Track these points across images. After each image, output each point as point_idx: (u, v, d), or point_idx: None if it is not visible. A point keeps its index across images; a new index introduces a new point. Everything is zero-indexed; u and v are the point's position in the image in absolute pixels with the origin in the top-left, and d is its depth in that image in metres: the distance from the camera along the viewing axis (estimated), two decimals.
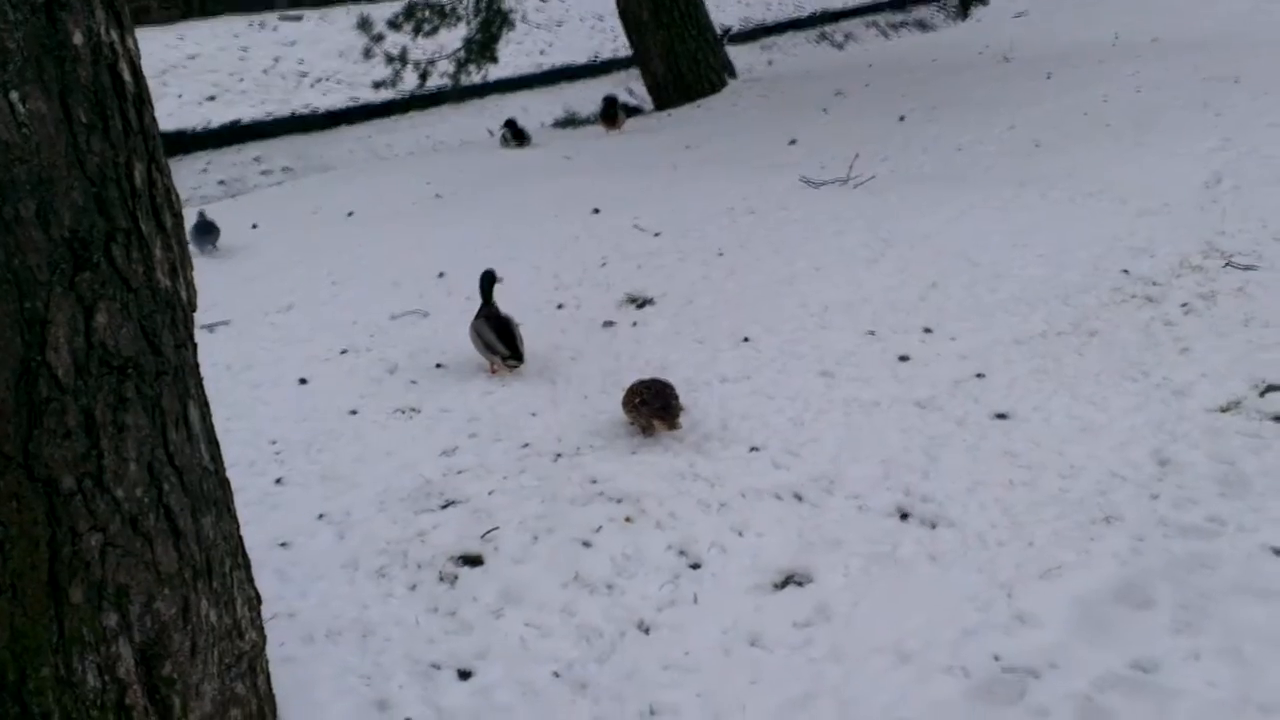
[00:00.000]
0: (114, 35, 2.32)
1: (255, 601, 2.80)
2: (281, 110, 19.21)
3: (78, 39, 2.21)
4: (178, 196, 2.59)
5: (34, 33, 2.13)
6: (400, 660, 3.28)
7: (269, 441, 4.67)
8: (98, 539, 2.30)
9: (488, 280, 5.36)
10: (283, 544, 3.88)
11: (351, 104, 19.78)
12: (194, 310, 2.65)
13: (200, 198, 15.77)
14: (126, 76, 2.35)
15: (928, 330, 5.43)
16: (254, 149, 18.38)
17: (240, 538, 2.77)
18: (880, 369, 5.07)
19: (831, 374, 5.06)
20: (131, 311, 2.33)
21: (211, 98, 18.79)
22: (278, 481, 4.35)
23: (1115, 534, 3.65)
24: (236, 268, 7.14)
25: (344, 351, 5.59)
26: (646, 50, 14.52)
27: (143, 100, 2.40)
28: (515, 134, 11.72)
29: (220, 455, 2.70)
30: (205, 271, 6.99)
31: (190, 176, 17.05)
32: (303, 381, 5.26)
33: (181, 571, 2.47)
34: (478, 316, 5.27)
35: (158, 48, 18.81)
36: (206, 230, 7.35)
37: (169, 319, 2.45)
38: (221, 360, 5.51)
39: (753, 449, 4.44)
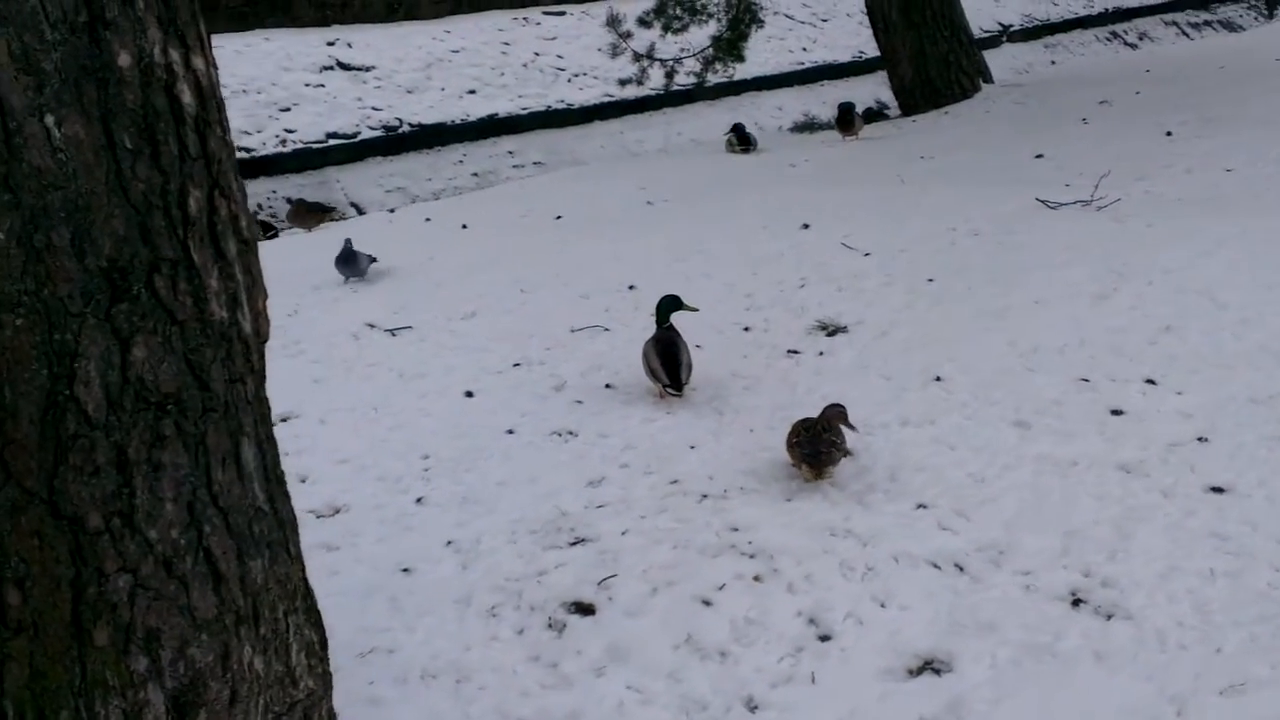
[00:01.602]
0: (173, 55, 2.22)
1: (317, 647, 2.68)
2: (537, 105, 19.63)
3: (124, 60, 2.12)
4: (250, 223, 2.48)
5: (74, 53, 2.05)
6: (489, 713, 3.10)
7: (421, 456, 4.61)
8: (127, 580, 2.21)
9: (667, 305, 5.14)
10: (405, 570, 3.78)
11: (606, 99, 19.99)
12: (264, 341, 2.54)
13: (454, 189, 16.35)
14: (187, 99, 2.25)
15: (1150, 381, 4.82)
16: (508, 143, 18.83)
17: (302, 581, 2.66)
18: (1086, 424, 4.53)
19: (1028, 425, 4.55)
20: (175, 345, 2.23)
21: (472, 91, 19.39)
22: (418, 501, 4.27)
23: None
24: (432, 271, 7.19)
25: (516, 365, 5.50)
26: (894, 52, 13.91)
27: (206, 123, 2.30)
28: (740, 139, 11.44)
29: (282, 494, 2.58)
30: (398, 277, 7.13)
31: (446, 168, 17.68)
32: (469, 395, 5.19)
33: (221, 617, 2.36)
34: (651, 338, 5.06)
35: (425, 41, 19.64)
36: (348, 260, 7.05)
37: (222, 353, 2.34)
38: (397, 367, 5.53)
39: (919, 506, 4.03)
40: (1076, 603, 3.43)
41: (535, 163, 18.56)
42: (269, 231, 9.30)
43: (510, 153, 18.68)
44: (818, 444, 4.11)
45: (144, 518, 2.22)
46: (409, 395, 5.23)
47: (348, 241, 7.11)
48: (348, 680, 3.17)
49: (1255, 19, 27.21)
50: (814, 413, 4.36)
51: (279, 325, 6.17)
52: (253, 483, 2.44)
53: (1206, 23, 26.87)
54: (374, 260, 7.21)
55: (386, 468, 4.55)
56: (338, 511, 4.23)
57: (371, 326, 6.07)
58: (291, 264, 7.58)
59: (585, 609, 3.49)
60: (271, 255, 8.16)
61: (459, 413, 5.04)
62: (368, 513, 4.19)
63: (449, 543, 3.93)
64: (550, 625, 3.44)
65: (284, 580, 2.54)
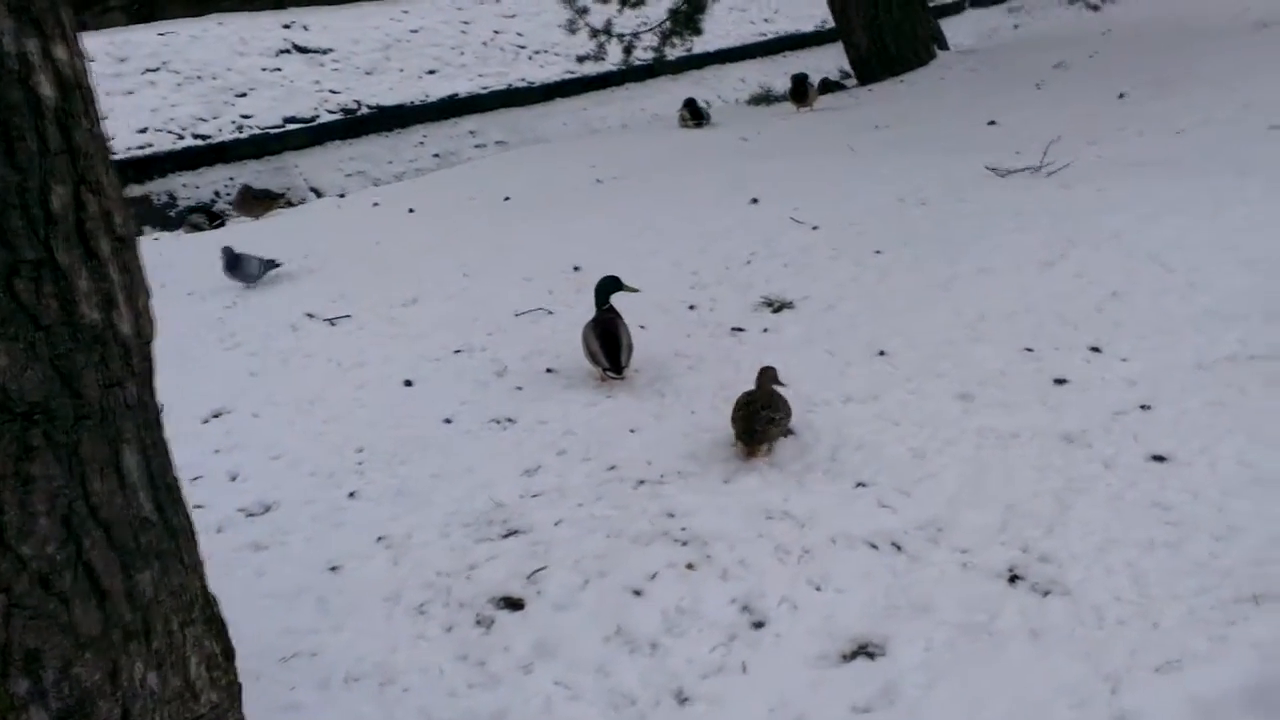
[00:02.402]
0: (29, 45, 2.10)
1: (220, 658, 2.58)
2: (498, 84, 19.42)
3: None
4: (127, 219, 2.36)
5: None
6: (413, 716, 3.02)
7: (356, 450, 4.51)
8: (0, 600, 2.11)
9: (605, 287, 5.05)
10: (334, 568, 3.69)
11: (568, 77, 19.81)
12: (147, 342, 2.43)
13: (415, 170, 16.13)
14: (46, 91, 2.13)
15: (1095, 349, 4.77)
16: (470, 123, 18.64)
17: (201, 590, 2.56)
18: (1029, 394, 4.46)
19: (971, 397, 4.49)
20: (40, 351, 2.12)
21: (432, 71, 19.16)
22: (351, 495, 4.17)
23: (1263, 619, 3.02)
24: (376, 257, 7.07)
25: (457, 351, 5.40)
26: (849, 21, 13.79)
27: (70, 115, 2.18)
28: (693, 114, 11.32)
29: (174, 501, 2.47)
30: (338, 262, 6.99)
31: (407, 150, 17.49)
32: (408, 384, 5.09)
33: (108, 633, 2.25)
34: (591, 320, 4.96)
35: (383, 21, 19.37)
36: (234, 266, 6.60)
37: (96, 357, 2.23)
38: (335, 357, 5.42)
39: (859, 484, 3.96)
40: (1014, 579, 3.37)
41: (497, 142, 18.37)
42: (215, 220, 9.13)
43: (471, 132, 18.48)
44: (753, 421, 4.08)
45: (16, 534, 2.11)
46: (346, 386, 5.12)
47: (227, 250, 6.66)
48: (268, 687, 3.08)
49: None
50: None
51: (218, 318, 6.07)
52: (137, 492, 2.33)
53: None
54: (273, 264, 6.72)
55: (320, 462, 4.45)
56: (268, 509, 4.13)
57: (311, 316, 5.95)
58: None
59: (514, 604, 3.41)
60: (213, 247, 8.05)
61: (397, 403, 4.94)
62: (299, 509, 4.09)
63: (380, 538, 3.84)
64: (479, 622, 3.35)
65: (178, 591, 2.44)
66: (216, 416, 4.89)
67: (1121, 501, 3.68)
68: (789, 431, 4.32)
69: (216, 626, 2.60)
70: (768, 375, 4.31)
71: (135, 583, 2.31)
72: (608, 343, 4.84)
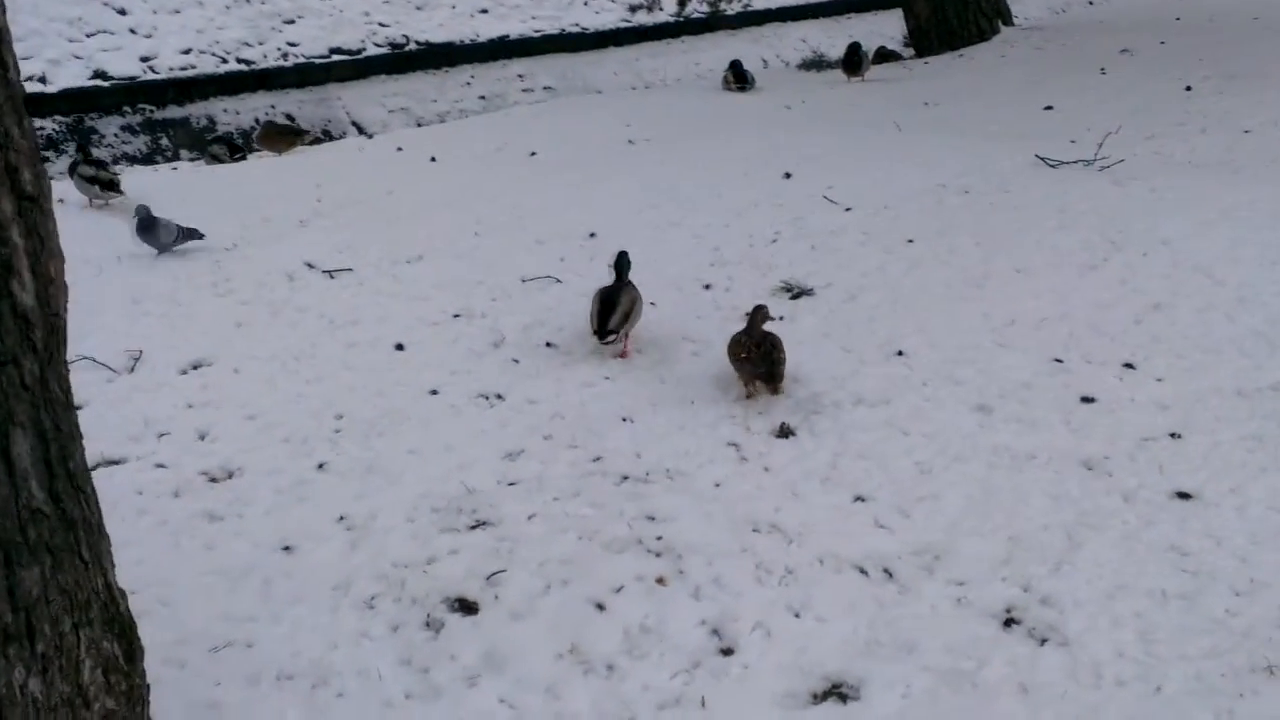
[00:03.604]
0: None
1: (120, 661, 2.37)
2: (551, 28, 18.96)
3: None
4: (38, 175, 2.12)
5: None
6: None
7: (335, 416, 4.30)
8: None
9: (622, 262, 4.86)
10: (287, 548, 3.48)
11: (623, 25, 19.30)
12: (55, 314, 2.19)
13: (460, 111, 15.82)
14: None
15: (1129, 366, 4.46)
16: (519, 65, 18.22)
17: (103, 587, 2.34)
18: (1052, 411, 4.17)
19: (989, 410, 4.20)
20: None
21: (484, 10, 18.74)
22: (320, 467, 3.96)
23: (1275, 694, 2.74)
24: (388, 207, 6.81)
25: (456, 316, 5.15)
26: None
27: None
28: (737, 76, 10.92)
29: (74, 490, 2.24)
30: (350, 210, 6.76)
31: (453, 90, 17.15)
32: (399, 347, 4.86)
33: None
34: (602, 287, 4.83)
35: None
36: (147, 228, 5.79)
37: None
38: (328, 313, 5.19)
39: (858, 498, 3.70)
40: (1009, 623, 3.11)
41: (545, 87, 17.99)
42: (237, 153, 8.92)
43: (520, 76, 18.10)
44: (774, 364, 4.22)
45: None
46: (335, 345, 4.89)
47: (141, 210, 5.84)
48: (191, 680, 2.89)
49: None
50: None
51: (215, 260, 5.86)
52: (28, 480, 2.11)
53: None
54: (194, 234, 5.93)
55: (295, 426, 4.23)
56: (231, 475, 3.93)
57: (310, 266, 5.71)
58: (248, 191, 7.23)
59: (468, 606, 3.19)
60: (229, 181, 7.86)
61: (385, 367, 4.71)
62: (263, 479, 3.88)
63: (341, 518, 3.63)
64: (428, 624, 3.13)
65: (71, 589, 2.22)
66: (195, 368, 4.69)
67: (1137, 542, 3.41)
68: (790, 432, 4.08)
69: (120, 626, 2.38)
70: (761, 314, 4.37)
71: (18, 580, 2.10)
72: (604, 307, 4.65)
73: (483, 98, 17.20)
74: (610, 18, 19.56)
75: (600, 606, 3.16)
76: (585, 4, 19.95)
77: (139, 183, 7.54)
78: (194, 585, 3.29)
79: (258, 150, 9.59)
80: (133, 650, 2.42)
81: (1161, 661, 2.91)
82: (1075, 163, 6.85)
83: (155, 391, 4.52)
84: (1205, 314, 4.80)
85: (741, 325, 4.46)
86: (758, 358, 4.25)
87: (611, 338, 4.66)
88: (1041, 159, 6.93)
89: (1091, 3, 21.25)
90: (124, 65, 13.53)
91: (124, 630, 2.39)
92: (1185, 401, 4.17)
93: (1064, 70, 10.49)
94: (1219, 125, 7.85)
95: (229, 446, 4.10)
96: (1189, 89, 8.99)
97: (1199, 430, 3.98)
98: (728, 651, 3.04)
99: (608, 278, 4.90)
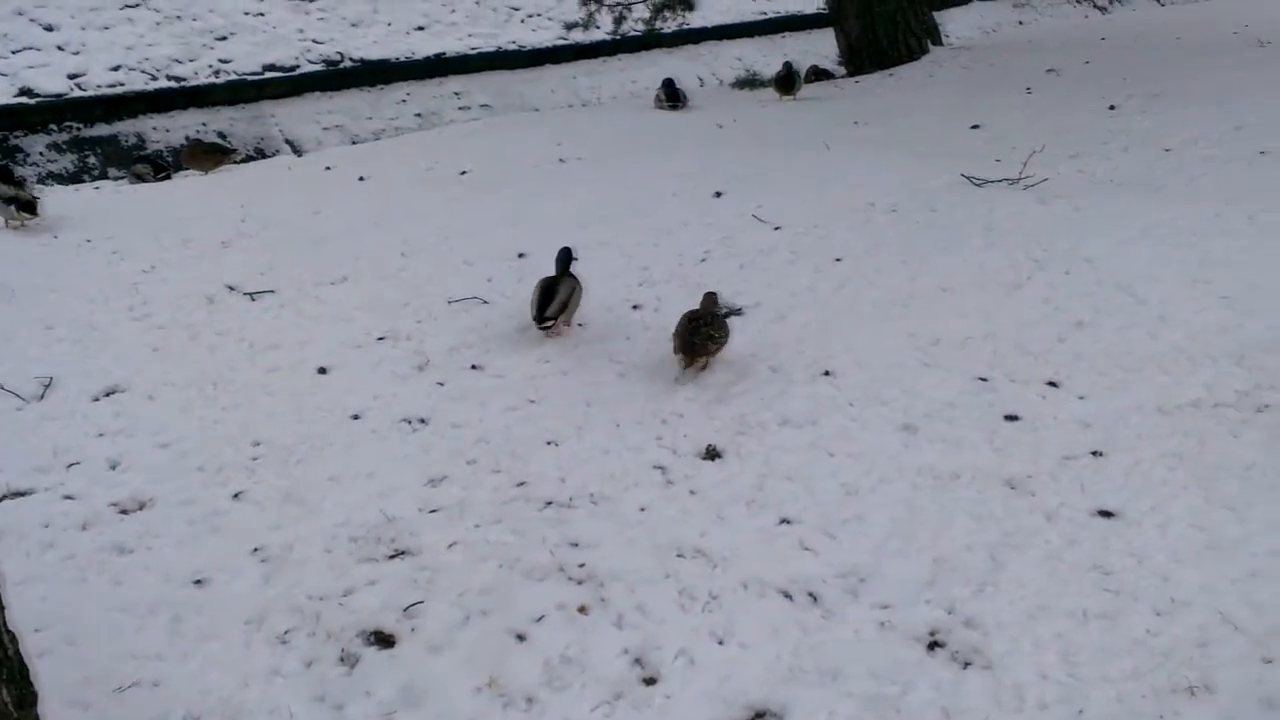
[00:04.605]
0: None
1: (10, 709, 2.27)
2: (487, 45, 18.90)
3: None
4: None
5: None
6: None
7: (252, 443, 4.20)
8: None
9: (564, 256, 5.16)
10: (199, 581, 3.38)
11: (560, 42, 19.29)
12: None
13: (396, 129, 15.73)
14: None
15: (1052, 384, 4.48)
16: (456, 83, 18.13)
17: None
18: (977, 430, 4.18)
19: (914, 429, 4.20)
20: None
21: (420, 28, 18.64)
22: (236, 496, 3.86)
23: (1196, 714, 2.74)
24: (314, 227, 6.71)
25: (381, 338, 5.07)
26: (842, 8, 13.39)
27: None
28: (669, 95, 10.95)
29: None
30: (275, 230, 6.65)
31: (389, 107, 17.01)
32: (322, 371, 4.78)
33: None
34: (545, 276, 5.10)
35: None
36: None
37: None
38: (248, 336, 5.09)
39: (783, 521, 3.67)
40: (933, 646, 3.09)
41: (482, 105, 17.91)
42: (161, 173, 8.74)
43: (456, 94, 18.00)
44: (693, 335, 4.48)
45: None
46: (255, 370, 4.80)
47: None
48: None
49: None
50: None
51: (133, 284, 5.72)
52: None
53: None
54: None
55: (211, 454, 4.13)
56: (142, 506, 3.82)
57: (231, 289, 5.60)
58: (170, 211, 7.08)
59: (385, 640, 3.11)
60: (151, 201, 7.71)
61: (306, 392, 4.62)
62: (175, 509, 3.77)
63: (256, 549, 3.54)
64: (343, 659, 3.05)
65: None
66: (109, 395, 4.57)
67: (1059, 562, 3.41)
68: (717, 454, 4.05)
69: (9, 670, 2.28)
70: (710, 298, 4.73)
71: None
72: (544, 295, 4.92)
73: (419, 115, 17.08)
74: (547, 36, 19.53)
75: (520, 637, 3.09)
76: (522, 22, 19.92)
77: (59, 203, 7.37)
78: (101, 622, 3.19)
79: (184, 169, 9.42)
80: (24, 696, 2.32)
81: (1084, 683, 2.91)
82: (1001, 181, 6.92)
83: (66, 420, 4.39)
84: (1127, 332, 4.85)
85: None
86: (687, 331, 4.53)
87: (549, 324, 4.88)
88: (968, 178, 7.00)
89: (1021, 23, 21.66)
90: (51, 82, 13.28)
91: (14, 674, 2.30)
92: (1107, 419, 4.19)
93: (991, 90, 10.63)
94: (1141, 144, 7.97)
95: (141, 476, 3.99)
96: (1113, 108, 9.14)
97: (1121, 448, 4.00)
98: (650, 681, 2.99)
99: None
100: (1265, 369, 4.41)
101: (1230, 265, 5.35)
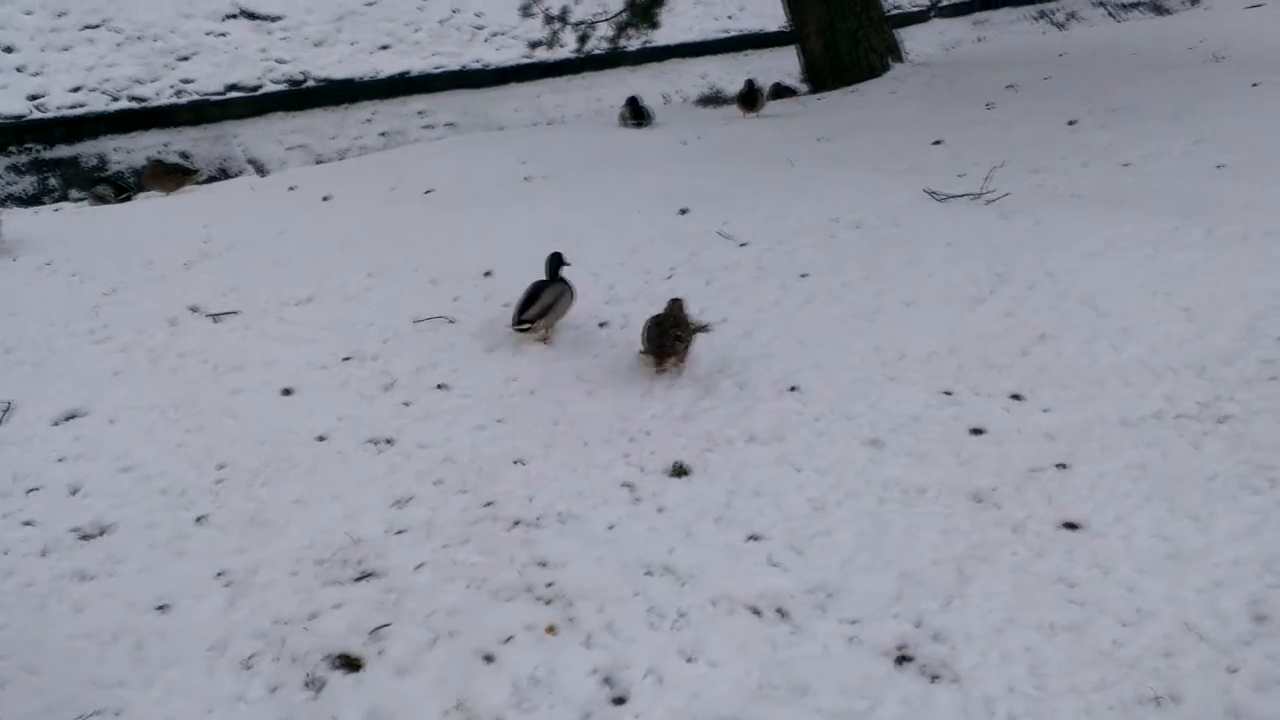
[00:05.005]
0: None
1: None
2: (452, 64, 18.91)
3: None
4: None
5: None
6: None
7: (216, 466, 4.16)
8: None
9: (552, 261, 5.31)
10: (162, 607, 3.35)
11: (524, 61, 19.31)
12: None
13: (360, 148, 15.73)
14: None
15: (1016, 397, 4.51)
16: (420, 102, 18.14)
17: None
18: (942, 444, 4.20)
19: (881, 444, 4.21)
20: None
21: (385, 47, 18.63)
22: (199, 520, 3.82)
23: None
24: (278, 248, 6.67)
25: (346, 359, 5.04)
26: (804, 26, 13.49)
27: None
28: (634, 113, 10.98)
29: None
30: (239, 251, 6.60)
31: (353, 126, 17.01)
32: (287, 392, 4.74)
33: None
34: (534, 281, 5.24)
35: None
36: None
37: None
38: (212, 358, 5.04)
39: (751, 537, 3.68)
40: (902, 660, 3.10)
41: (447, 124, 17.90)
42: (122, 194, 8.67)
43: (421, 113, 18.00)
44: (663, 339, 4.60)
45: None
46: (219, 392, 4.75)
47: None
48: None
49: (1183, 3, 27.23)
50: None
51: (92, 306, 5.67)
52: None
53: (1135, 4, 26.79)
54: None
55: (174, 478, 4.09)
56: (104, 531, 3.77)
57: (194, 310, 5.56)
58: (132, 232, 7.02)
59: (352, 663, 3.08)
60: (113, 222, 7.64)
61: (271, 414, 4.58)
62: (138, 534, 3.73)
63: (220, 574, 3.50)
64: (309, 683, 3.02)
65: None
66: (70, 419, 4.52)
67: (1026, 574, 3.43)
68: (685, 471, 4.05)
69: None
70: (677, 304, 4.86)
71: None
72: (527, 298, 5.04)
73: (384, 134, 17.06)
74: (512, 54, 19.55)
75: (489, 658, 3.08)
76: (486, 41, 19.93)
77: (18, 225, 7.29)
78: (62, 650, 3.15)
79: (146, 190, 9.35)
80: None
81: (1051, 695, 2.92)
82: (963, 196, 6.98)
83: (25, 444, 4.33)
84: (1090, 344, 4.88)
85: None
86: (655, 334, 4.67)
87: (526, 326, 4.98)
88: (930, 193, 7.05)
89: (980, 40, 21.90)
90: (10, 104, 13.21)
91: None
92: (1071, 432, 4.22)
93: (952, 106, 10.73)
94: (1101, 158, 8.06)
95: (102, 501, 3.94)
96: (1072, 123, 9.24)
97: (1085, 460, 4.03)
98: (619, 701, 2.97)
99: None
100: (1225, 380, 4.45)
101: (1190, 278, 5.41)
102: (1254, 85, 9.95)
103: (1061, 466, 3.99)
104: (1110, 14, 26.04)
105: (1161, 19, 23.73)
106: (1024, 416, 4.37)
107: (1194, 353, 4.69)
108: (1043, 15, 25.44)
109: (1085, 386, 4.56)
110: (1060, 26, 24.74)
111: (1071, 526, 3.65)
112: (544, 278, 5.26)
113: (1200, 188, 6.99)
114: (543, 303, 5.03)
